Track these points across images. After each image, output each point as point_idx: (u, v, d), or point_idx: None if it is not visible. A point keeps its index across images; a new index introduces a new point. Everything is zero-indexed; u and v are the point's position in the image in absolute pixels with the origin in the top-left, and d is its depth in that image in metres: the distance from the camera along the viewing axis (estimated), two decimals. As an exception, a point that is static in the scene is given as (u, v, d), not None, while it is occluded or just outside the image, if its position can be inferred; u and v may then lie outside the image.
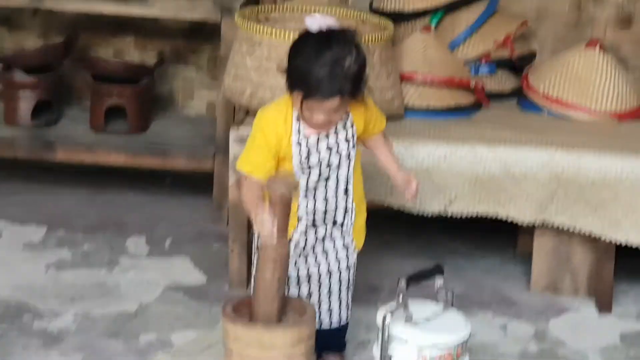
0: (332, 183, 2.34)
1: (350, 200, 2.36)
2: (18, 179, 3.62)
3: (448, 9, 3.28)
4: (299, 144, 2.29)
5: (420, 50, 3.09)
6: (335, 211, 2.35)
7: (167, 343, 2.61)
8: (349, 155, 2.32)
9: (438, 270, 2.18)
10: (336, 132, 2.32)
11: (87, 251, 3.14)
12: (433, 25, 3.25)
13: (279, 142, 2.27)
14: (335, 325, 2.39)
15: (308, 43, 2.23)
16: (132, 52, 3.78)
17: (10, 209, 3.40)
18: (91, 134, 3.50)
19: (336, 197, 2.35)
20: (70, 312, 2.74)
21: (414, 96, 3.04)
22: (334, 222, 2.37)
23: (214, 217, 3.39)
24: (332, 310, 2.40)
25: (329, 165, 2.32)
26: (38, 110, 3.51)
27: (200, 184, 3.60)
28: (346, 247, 2.41)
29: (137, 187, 3.66)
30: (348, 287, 2.42)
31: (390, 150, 2.44)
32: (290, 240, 2.29)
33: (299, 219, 2.35)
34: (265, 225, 2.14)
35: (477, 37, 3.29)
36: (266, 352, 2.10)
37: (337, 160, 2.32)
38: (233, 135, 2.82)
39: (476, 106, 3.13)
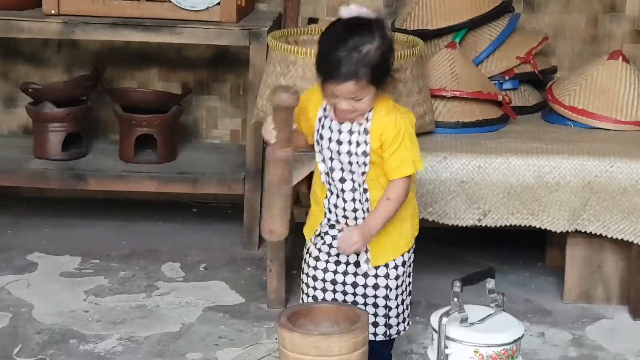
0: (348, 184, 2.33)
1: (367, 208, 2.34)
2: (49, 212, 3.66)
3: (471, 27, 3.35)
4: (319, 119, 2.34)
5: (447, 66, 3.14)
6: (355, 214, 2.35)
7: (213, 361, 2.63)
8: (358, 162, 2.31)
9: (490, 273, 2.21)
10: (350, 132, 2.31)
11: (123, 278, 3.17)
12: (458, 41, 3.31)
13: (307, 102, 2.35)
14: (380, 337, 2.41)
15: (334, 29, 2.27)
16: (156, 83, 3.84)
17: (43, 241, 3.44)
18: (121, 164, 3.54)
19: (354, 199, 2.34)
20: (115, 335, 2.76)
21: (443, 111, 3.09)
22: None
23: (245, 242, 3.43)
24: (376, 322, 2.41)
25: (340, 161, 2.32)
26: (68, 143, 3.55)
27: (226, 211, 3.64)
28: (356, 265, 2.40)
29: (167, 217, 3.70)
30: (391, 297, 2.41)
31: (381, 202, 2.30)
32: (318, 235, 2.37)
33: (325, 214, 2.38)
34: (265, 127, 2.26)
35: (499, 53, 3.35)
36: (323, 359, 2.13)
37: (347, 160, 2.31)
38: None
39: (504, 120, 3.18)
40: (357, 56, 2.20)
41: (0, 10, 3.39)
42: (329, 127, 2.34)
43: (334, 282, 2.39)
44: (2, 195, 3.74)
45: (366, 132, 2.30)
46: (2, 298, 2.97)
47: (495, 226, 2.91)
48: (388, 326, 2.39)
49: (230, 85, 3.82)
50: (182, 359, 2.64)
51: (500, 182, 2.84)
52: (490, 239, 3.31)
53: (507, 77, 3.33)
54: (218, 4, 3.34)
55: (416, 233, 2.44)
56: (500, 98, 3.14)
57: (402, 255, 2.40)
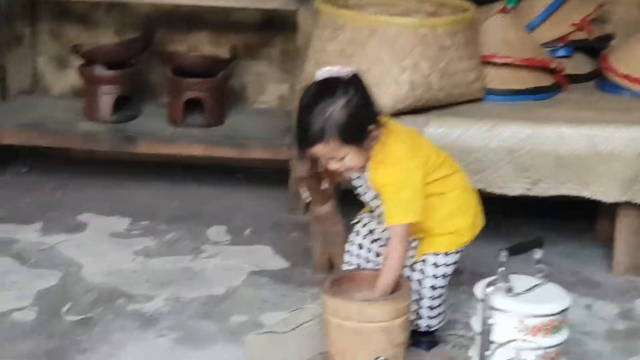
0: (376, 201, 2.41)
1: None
2: (99, 173, 3.70)
3: (524, -8, 3.29)
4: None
5: (499, 32, 3.09)
6: None
7: (258, 324, 2.64)
8: (375, 202, 2.39)
9: (538, 243, 2.18)
10: (359, 177, 2.40)
11: (171, 240, 3.19)
12: (511, 6, 3.25)
13: None
14: (422, 328, 2.41)
15: (305, 93, 2.29)
16: (206, 47, 3.84)
17: (94, 201, 3.47)
18: (170, 127, 3.55)
19: None
20: (162, 296, 2.79)
21: (495, 78, 3.05)
22: None
23: (291, 207, 3.43)
24: (418, 313, 2.40)
25: (362, 197, 2.41)
26: (118, 106, 3.57)
27: (274, 177, 3.64)
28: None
29: (214, 180, 3.71)
30: (419, 294, 2.40)
31: (387, 267, 2.29)
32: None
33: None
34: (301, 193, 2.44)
35: (553, 19, 3.29)
36: (364, 325, 2.12)
37: (369, 198, 2.41)
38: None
39: (556, 88, 3.12)
40: (321, 119, 2.22)
41: (52, -28, 3.40)
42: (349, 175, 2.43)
43: (377, 254, 2.40)
44: (52, 156, 3.78)
45: (367, 179, 2.37)
46: (53, 257, 3.01)
47: (545, 196, 2.87)
48: (418, 317, 2.38)
49: (279, 50, 3.81)
50: (227, 321, 2.66)
51: (551, 152, 2.79)
52: (540, 209, 3.27)
53: (561, 44, 3.27)
54: (264, -34, 3.31)
55: (466, 237, 2.43)
56: (553, 65, 3.09)
57: (445, 254, 2.39)
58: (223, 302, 2.77)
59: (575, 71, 3.28)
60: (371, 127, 2.26)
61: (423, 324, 2.40)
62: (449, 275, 2.41)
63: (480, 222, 2.47)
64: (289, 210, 3.45)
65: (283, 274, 2.97)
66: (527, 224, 3.32)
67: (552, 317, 2.13)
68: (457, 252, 2.41)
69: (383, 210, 2.32)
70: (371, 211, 2.45)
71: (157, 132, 3.49)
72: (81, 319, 2.63)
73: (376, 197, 2.35)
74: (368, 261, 2.44)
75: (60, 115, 3.62)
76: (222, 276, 2.94)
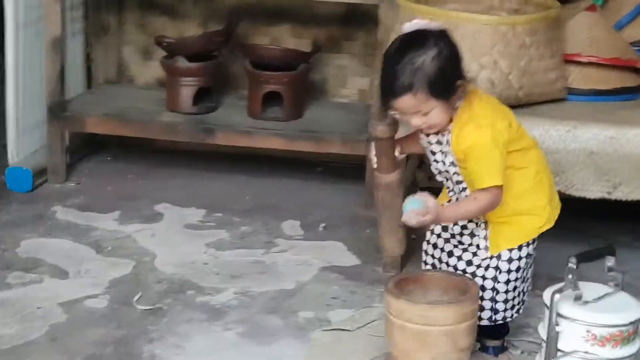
0: (450, 184, 2.34)
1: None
2: (179, 164, 3.74)
3: (615, -12, 3.19)
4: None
5: (585, 30, 3.00)
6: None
7: (324, 320, 2.63)
8: (448, 172, 2.31)
9: (610, 250, 2.11)
10: (439, 142, 2.31)
11: (244, 232, 3.20)
12: (599, 4, 3.16)
13: None
14: (484, 322, 2.34)
15: (392, 45, 2.24)
16: (288, 40, 3.84)
17: (171, 192, 3.51)
18: (249, 120, 3.56)
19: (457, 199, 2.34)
20: (231, 289, 2.80)
21: (578, 78, 2.96)
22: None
23: (367, 202, 3.40)
24: (482, 305, 2.33)
25: (438, 169, 2.33)
26: (199, 97, 3.60)
27: (351, 171, 3.62)
28: (474, 248, 2.35)
29: (292, 174, 3.72)
30: (494, 290, 2.33)
31: (467, 199, 2.27)
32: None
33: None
34: (370, 152, 2.32)
35: (644, 17, 3.18)
36: (427, 328, 2.09)
37: (444, 169, 2.32)
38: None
39: (643, 89, 3.01)
40: (411, 68, 2.16)
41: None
42: (426, 141, 2.35)
43: (450, 254, 2.35)
44: (136, 145, 3.84)
45: (448, 143, 2.28)
46: (128, 246, 3.05)
47: (626, 200, 2.77)
48: (494, 311, 2.32)
49: (361, 44, 3.78)
50: (294, 316, 2.65)
51: (634, 155, 2.69)
52: (624, 213, 3.16)
53: (650, 44, 3.15)
54: (349, -42, 3.29)
55: (544, 224, 2.36)
56: (639, 65, 2.98)
57: (519, 249, 2.33)
58: (291, 297, 2.77)
59: (665, 71, 3.15)
60: (459, 82, 2.20)
61: (499, 317, 2.34)
62: (523, 268, 2.34)
63: (557, 205, 2.38)
64: (365, 205, 3.42)
65: (353, 271, 2.95)
66: (609, 227, 3.22)
67: (621, 328, 2.05)
68: (533, 243, 2.33)
69: (463, 180, 2.26)
70: (448, 201, 2.39)
71: (236, 125, 3.51)
72: (151, 308, 2.66)
73: (453, 167, 2.26)
74: (441, 262, 2.39)
75: (143, 106, 3.67)
76: (293, 271, 2.94)
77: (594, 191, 2.76)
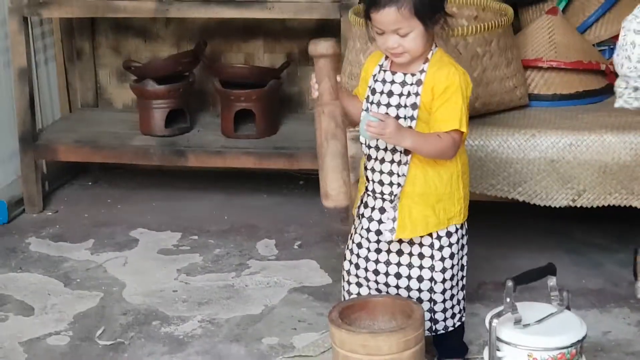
0: (390, 146, 2.24)
1: (404, 172, 2.22)
2: (159, 185, 3.73)
3: (578, -12, 3.13)
4: (374, 75, 2.27)
5: (546, 34, 2.95)
6: (391, 178, 2.24)
7: (288, 347, 2.61)
8: (406, 116, 2.22)
9: (549, 270, 2.06)
10: (403, 83, 2.23)
11: (218, 255, 3.19)
12: (561, 8, 3.10)
13: (367, 66, 2.32)
14: (440, 330, 2.29)
15: None
16: (262, 55, 3.81)
17: (149, 215, 3.50)
18: (222, 139, 3.54)
19: (392, 161, 2.24)
20: (197, 317, 2.78)
21: (540, 83, 2.91)
22: (385, 196, 2.25)
23: (342, 217, 3.36)
24: (432, 314, 2.28)
25: (387, 114, 2.23)
26: (171, 119, 3.59)
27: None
28: (407, 259, 2.28)
29: (272, 189, 3.69)
30: (437, 290, 2.27)
31: (429, 133, 2.20)
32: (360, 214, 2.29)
33: (366, 184, 2.29)
34: (310, 83, 2.23)
35: (610, 16, 3.12)
36: (371, 358, 2.05)
37: (395, 113, 2.22)
38: (350, 134, 2.77)
39: (608, 90, 2.95)
40: None
41: (99, -10, 3.43)
42: (382, 80, 2.27)
43: (376, 272, 2.30)
44: (118, 167, 3.83)
45: (419, 83, 2.22)
46: (98, 277, 3.04)
47: (592, 207, 2.71)
48: (433, 321, 2.27)
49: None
50: (258, 344, 2.63)
51: (594, 161, 2.64)
52: (602, 214, 3.11)
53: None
54: (310, -25, 3.26)
55: (460, 217, 2.28)
56: (603, 67, 2.91)
57: (438, 237, 2.24)
58: (257, 322, 2.74)
59: (635, 69, 3.08)
60: (441, 15, 2.18)
61: (439, 327, 2.30)
62: (460, 263, 2.28)
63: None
64: (341, 220, 3.38)
65: (323, 291, 2.92)
66: (588, 229, 3.17)
67: (562, 350, 2.00)
68: (452, 236, 2.27)
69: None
70: (365, 190, 2.30)
71: (207, 145, 3.49)
72: (112, 344, 2.64)
73: (410, 110, 2.18)
74: (368, 280, 2.32)
75: (117, 130, 3.66)
76: (262, 294, 2.91)
77: (558, 200, 2.71)
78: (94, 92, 3.95)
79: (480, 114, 2.77)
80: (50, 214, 3.55)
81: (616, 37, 3.07)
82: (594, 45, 3.09)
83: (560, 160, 2.66)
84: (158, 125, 3.57)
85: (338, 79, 2.22)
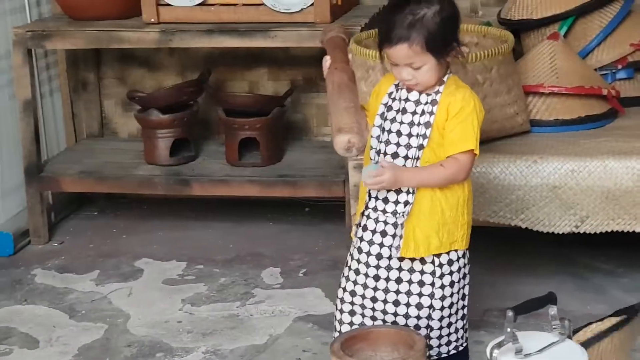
0: (399, 161, 2.24)
1: (412, 191, 2.23)
2: (165, 213, 3.74)
3: (579, 14, 3.13)
4: (390, 93, 2.29)
5: (547, 59, 2.95)
6: (397, 197, 2.24)
7: (292, 377, 2.60)
8: (418, 134, 2.23)
9: (549, 299, 2.05)
10: (418, 102, 2.24)
11: (223, 285, 3.18)
12: (562, 33, 3.11)
13: (379, 88, 2.34)
14: (433, 356, 2.28)
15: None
16: (266, 83, 3.83)
17: (154, 245, 3.50)
18: (226, 167, 3.55)
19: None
20: (201, 348, 2.78)
21: (542, 109, 2.91)
22: (387, 215, 2.24)
23: (349, 243, 3.36)
24: (427, 339, 2.27)
25: (399, 132, 2.24)
26: (176, 148, 3.60)
27: (338, 210, 3.58)
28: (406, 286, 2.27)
29: (278, 216, 3.69)
30: (434, 317, 2.26)
31: (432, 165, 2.21)
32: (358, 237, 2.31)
33: (365, 202, 2.28)
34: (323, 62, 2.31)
35: (611, 40, 3.12)
36: (374, 389, 2.05)
37: (407, 131, 2.23)
38: (352, 163, 2.78)
39: (611, 115, 2.95)
40: (412, 19, 2.17)
41: (103, 20, 3.45)
42: (398, 98, 2.29)
43: (374, 299, 2.29)
44: (123, 197, 3.84)
45: (434, 102, 2.24)
46: (102, 308, 3.04)
47: (596, 232, 2.71)
48: (427, 346, 2.26)
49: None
50: (262, 374, 2.62)
51: (597, 187, 2.63)
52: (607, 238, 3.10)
53: (620, 66, 3.09)
54: (312, 4, 3.27)
55: (462, 243, 2.27)
56: (605, 92, 2.91)
57: (440, 265, 2.24)
58: (262, 352, 2.74)
59: (638, 94, 3.09)
60: (454, 44, 2.21)
61: (433, 353, 2.28)
62: (462, 291, 2.28)
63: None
64: (347, 246, 3.37)
65: (328, 320, 2.90)
66: (592, 253, 3.16)
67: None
68: (456, 261, 2.26)
69: (420, 146, 2.20)
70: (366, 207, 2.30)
71: (212, 174, 3.50)
72: (116, 376, 2.64)
73: (424, 128, 2.21)
74: (364, 307, 2.31)
75: (122, 160, 3.67)
76: (267, 323, 2.91)
77: (561, 226, 2.70)
78: (99, 122, 3.97)
79: (482, 141, 2.75)
80: (55, 244, 3.56)
81: (618, 60, 3.08)
82: (595, 69, 3.09)
83: (563, 186, 2.65)
84: (163, 155, 3.58)
85: (349, 56, 2.31)
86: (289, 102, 3.69)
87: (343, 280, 2.38)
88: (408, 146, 2.23)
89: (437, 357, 2.29)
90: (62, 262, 3.40)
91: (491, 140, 2.80)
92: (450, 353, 2.30)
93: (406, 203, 2.23)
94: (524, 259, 3.20)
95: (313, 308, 2.99)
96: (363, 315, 2.31)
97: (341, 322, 2.36)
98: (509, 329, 1.98)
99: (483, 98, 2.71)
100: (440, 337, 2.28)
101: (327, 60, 2.32)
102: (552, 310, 2.05)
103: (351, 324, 2.33)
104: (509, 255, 3.22)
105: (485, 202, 2.70)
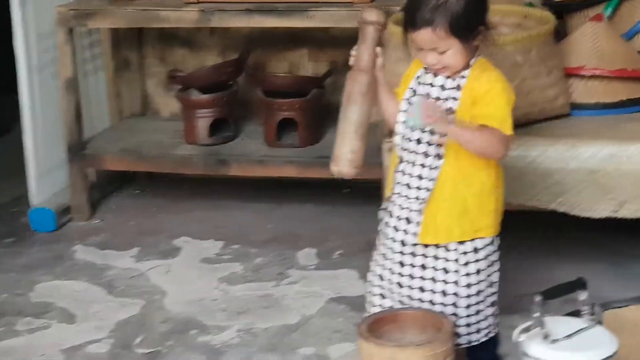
0: (422, 147, 2.22)
1: (433, 177, 2.20)
2: (205, 193, 3.75)
3: (624, -5, 3.07)
4: (418, 77, 2.27)
5: (590, 41, 2.90)
6: (420, 182, 2.22)
7: (324, 357, 2.61)
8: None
9: (579, 284, 2.02)
10: (443, 87, 2.22)
11: (258, 264, 3.20)
12: (607, 14, 3.05)
13: (407, 76, 2.31)
14: (463, 344, 2.26)
15: None
16: (306, 64, 3.82)
17: (193, 224, 3.53)
18: (264, 148, 3.56)
19: (423, 165, 2.22)
20: (235, 326, 2.79)
21: (583, 92, 2.86)
22: (411, 201, 2.22)
23: (384, 226, 3.35)
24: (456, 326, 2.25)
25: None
26: (215, 128, 3.61)
27: (376, 191, 3.57)
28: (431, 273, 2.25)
29: (317, 198, 3.69)
30: (460, 305, 2.24)
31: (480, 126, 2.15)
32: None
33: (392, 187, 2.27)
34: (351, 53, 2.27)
35: (658, 23, 3.05)
36: (400, 371, 2.04)
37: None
38: (385, 145, 2.77)
39: (653, 99, 2.89)
40: (435, 3, 2.13)
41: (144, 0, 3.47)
42: (423, 82, 2.27)
43: (399, 285, 2.28)
44: (165, 175, 3.87)
45: (458, 88, 2.21)
46: (141, 285, 3.08)
47: (635, 218, 2.66)
48: (455, 334, 2.24)
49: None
50: (293, 354, 2.63)
51: (636, 172, 2.59)
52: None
53: (665, 49, 3.02)
54: (352, -17, 3.26)
55: (489, 231, 2.23)
56: (647, 75, 2.86)
57: (464, 253, 2.21)
58: (294, 332, 2.75)
59: (683, 77, 3.02)
60: (481, 27, 2.17)
61: (463, 341, 2.25)
62: (491, 278, 2.25)
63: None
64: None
65: (361, 301, 2.88)
66: (630, 241, 3.10)
67: (591, 368, 1.96)
68: (480, 248, 2.23)
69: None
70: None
71: (250, 154, 3.51)
72: (150, 352, 2.67)
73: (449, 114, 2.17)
74: (392, 292, 2.29)
75: (162, 139, 3.70)
76: (300, 304, 2.91)
77: (599, 210, 2.66)
78: (141, 101, 3.99)
79: (520, 124, 2.73)
80: (97, 222, 3.60)
81: (664, 43, 3.01)
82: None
83: (601, 170, 2.61)
84: (202, 134, 3.60)
85: (378, 49, 2.25)
86: (328, 83, 3.68)
87: (373, 263, 2.37)
88: (432, 132, 2.21)
89: (467, 344, 2.27)
90: (103, 239, 3.44)
91: (530, 123, 2.76)
92: (481, 340, 2.28)
93: (427, 189, 2.21)
94: (562, 244, 3.16)
95: (347, 289, 2.99)
96: (392, 299, 2.30)
97: (373, 305, 2.36)
98: (536, 314, 1.96)
99: (522, 80, 2.69)
100: (468, 324, 2.25)
101: (352, 55, 2.28)
102: (582, 295, 2.02)
103: (382, 307, 2.33)
104: (547, 240, 3.19)
105: (522, 185, 2.67)
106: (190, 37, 3.89)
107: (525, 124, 2.75)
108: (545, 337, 1.97)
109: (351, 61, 2.29)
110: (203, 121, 3.60)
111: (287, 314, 2.85)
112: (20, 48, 3.43)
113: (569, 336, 1.98)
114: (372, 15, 2.26)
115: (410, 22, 2.17)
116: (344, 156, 2.23)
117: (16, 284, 3.10)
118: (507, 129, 2.18)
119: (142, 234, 3.46)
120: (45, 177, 3.58)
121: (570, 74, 2.86)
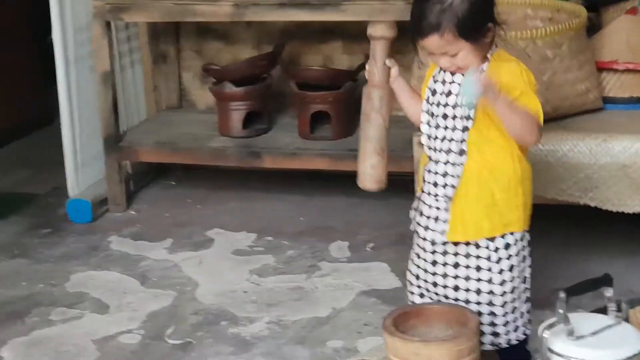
0: (446, 144, 2.20)
1: (457, 174, 2.18)
2: (239, 185, 3.78)
3: (660, -12, 3.03)
4: (434, 76, 2.25)
5: (623, 35, 2.87)
6: (445, 179, 2.20)
7: (352, 350, 2.62)
8: (462, 115, 2.17)
9: (605, 280, 2.00)
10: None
11: (290, 257, 3.22)
12: (640, 7, 3.02)
13: (428, 75, 2.30)
14: (487, 347, 2.25)
15: None
16: (340, 57, 3.83)
17: (226, 216, 3.56)
18: (297, 140, 3.57)
19: (447, 162, 2.20)
20: (265, 318, 2.82)
21: (615, 86, 2.84)
22: (439, 199, 2.21)
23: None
24: (481, 330, 2.23)
25: (445, 114, 2.19)
26: (249, 121, 3.64)
27: (406, 185, 3.56)
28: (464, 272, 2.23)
29: (347, 191, 3.68)
30: (496, 303, 2.21)
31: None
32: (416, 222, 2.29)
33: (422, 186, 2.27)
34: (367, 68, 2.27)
35: (693, 17, 3.01)
36: (425, 366, 2.04)
37: (452, 113, 2.18)
38: (416, 139, 2.77)
39: (688, 93, 2.86)
40: (440, 7, 2.10)
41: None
42: (442, 81, 2.24)
43: (434, 284, 2.28)
44: (200, 167, 3.91)
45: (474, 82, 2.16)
46: (173, 276, 3.11)
47: (666, 213, 2.64)
48: (495, 335, 2.24)
49: (412, 57, 3.71)
50: (322, 347, 2.65)
51: (668, 167, 2.56)
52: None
53: (701, 43, 2.98)
54: (385, -23, 3.25)
55: (518, 225, 2.21)
56: (682, 69, 2.82)
57: (496, 249, 2.20)
58: (324, 325, 2.76)
59: None
60: (490, 25, 2.13)
61: (502, 341, 2.23)
62: (523, 273, 2.23)
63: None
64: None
65: (391, 295, 2.92)
66: None
67: (617, 365, 1.95)
68: (511, 244, 2.20)
69: (467, 129, 2.15)
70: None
71: (283, 147, 3.53)
72: (181, 343, 2.70)
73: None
74: (429, 291, 2.28)
75: (197, 131, 3.73)
76: (330, 297, 2.93)
77: (631, 206, 2.64)
78: (178, 94, 4.03)
79: (551, 118, 2.71)
80: (132, 213, 3.65)
81: (699, 37, 2.97)
82: (675, 46, 2.99)
83: (632, 165, 2.59)
84: (236, 127, 3.63)
85: (387, 62, 2.25)
86: (361, 76, 3.67)
87: (409, 262, 2.37)
88: (454, 128, 2.21)
89: (507, 346, 2.25)
90: (138, 230, 3.48)
91: (561, 117, 2.75)
92: (520, 339, 2.26)
93: (452, 187, 2.21)
94: (595, 238, 3.13)
95: (378, 283, 3.00)
96: (431, 298, 2.30)
97: (413, 304, 2.36)
98: (560, 310, 1.95)
99: (553, 74, 2.67)
100: (506, 323, 2.23)
101: (366, 73, 2.28)
102: (608, 292, 2.01)
103: None
104: (579, 235, 3.17)
105: (552, 179, 2.66)
106: (226, 31, 3.91)
107: (556, 118, 2.74)
108: (570, 333, 1.96)
109: (366, 75, 2.28)
110: (237, 114, 3.63)
111: (317, 307, 2.87)
112: (57, 42, 3.48)
113: (594, 333, 1.97)
114: (377, 30, 2.25)
115: (417, 31, 2.14)
116: (365, 172, 2.27)
117: (52, 274, 3.15)
118: (540, 118, 2.16)
119: (175, 226, 3.50)
120: (82, 169, 3.64)
121: (602, 67, 2.84)
